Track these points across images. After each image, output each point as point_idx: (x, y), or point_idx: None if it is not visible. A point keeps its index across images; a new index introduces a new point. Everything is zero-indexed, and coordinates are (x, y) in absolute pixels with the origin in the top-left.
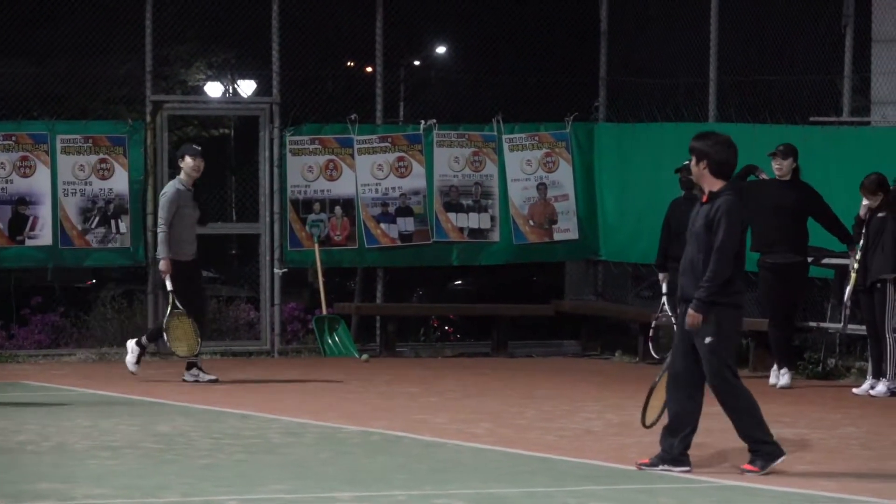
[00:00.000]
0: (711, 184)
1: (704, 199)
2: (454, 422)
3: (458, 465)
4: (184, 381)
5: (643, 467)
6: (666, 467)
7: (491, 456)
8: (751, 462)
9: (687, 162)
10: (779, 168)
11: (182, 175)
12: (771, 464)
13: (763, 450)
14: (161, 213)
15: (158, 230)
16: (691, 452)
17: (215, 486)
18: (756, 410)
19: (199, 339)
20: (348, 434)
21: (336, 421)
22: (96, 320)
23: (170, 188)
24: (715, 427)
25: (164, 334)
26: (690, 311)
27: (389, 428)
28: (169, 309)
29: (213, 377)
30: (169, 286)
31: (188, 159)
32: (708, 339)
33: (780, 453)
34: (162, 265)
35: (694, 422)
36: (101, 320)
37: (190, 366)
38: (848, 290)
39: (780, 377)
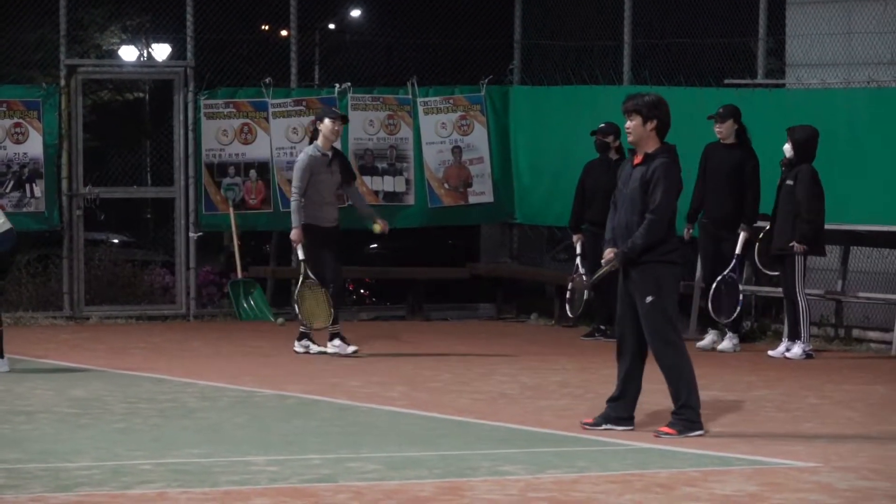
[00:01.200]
0: (650, 145)
1: (638, 160)
2: (369, 385)
3: (373, 428)
4: (325, 352)
5: (587, 427)
6: (609, 426)
7: (405, 419)
8: (670, 424)
9: (603, 124)
10: (719, 131)
11: (319, 140)
12: (688, 432)
13: (686, 415)
14: (294, 182)
15: (291, 198)
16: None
17: (130, 451)
18: (691, 374)
19: (333, 310)
20: (263, 398)
21: (251, 385)
22: (11, 285)
23: (303, 155)
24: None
25: (296, 305)
26: (611, 251)
27: (305, 392)
28: (301, 279)
29: (354, 348)
30: (301, 255)
31: (327, 122)
32: (649, 299)
33: (700, 427)
34: (293, 234)
35: (639, 384)
36: (16, 285)
37: (332, 336)
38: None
39: (719, 340)
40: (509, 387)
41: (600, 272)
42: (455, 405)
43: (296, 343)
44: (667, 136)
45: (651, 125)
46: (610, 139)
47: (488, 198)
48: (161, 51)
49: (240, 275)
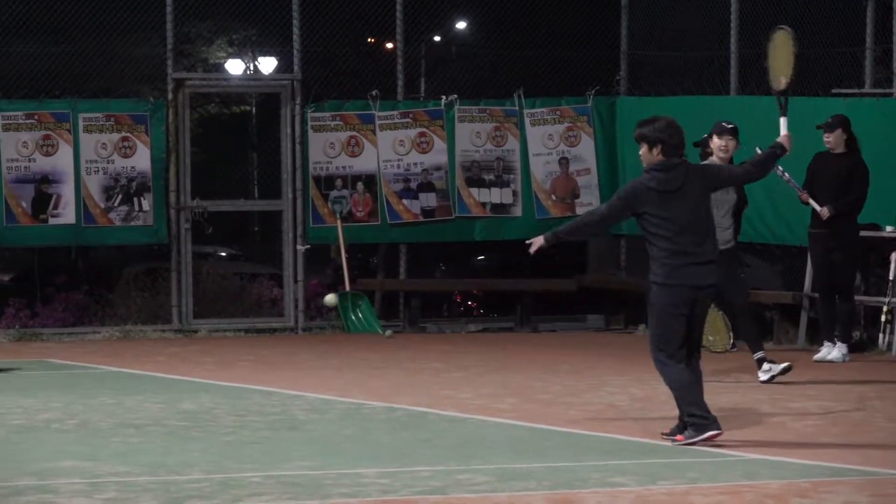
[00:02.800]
0: None
1: None
2: (478, 397)
3: (482, 440)
4: (761, 382)
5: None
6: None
7: (515, 431)
8: (684, 434)
9: (706, 136)
10: (828, 140)
11: (714, 158)
12: (701, 434)
13: (692, 420)
14: None
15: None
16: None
17: (240, 463)
18: (684, 384)
19: (732, 334)
20: (372, 410)
21: (360, 397)
22: (120, 298)
23: None
24: (740, 400)
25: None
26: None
27: (413, 404)
28: None
29: (785, 365)
30: None
31: (715, 138)
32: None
33: (714, 426)
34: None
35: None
36: (125, 298)
37: (760, 362)
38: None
39: (831, 351)
40: (619, 398)
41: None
42: (565, 417)
43: (759, 373)
44: (680, 155)
45: (657, 150)
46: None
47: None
48: (267, 64)
49: (347, 287)
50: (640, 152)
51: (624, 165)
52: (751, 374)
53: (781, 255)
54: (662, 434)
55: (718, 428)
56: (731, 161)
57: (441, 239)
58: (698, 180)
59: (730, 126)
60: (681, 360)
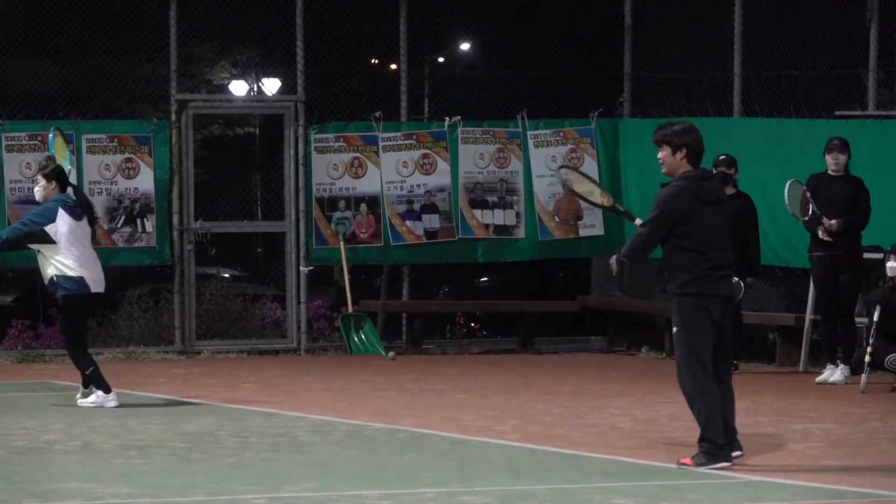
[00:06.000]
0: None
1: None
2: (481, 419)
3: (485, 462)
4: None
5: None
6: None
7: (517, 453)
8: (693, 456)
9: (723, 156)
10: (835, 163)
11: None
12: (710, 464)
13: (705, 447)
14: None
15: None
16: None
17: (242, 485)
18: (711, 407)
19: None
20: (375, 432)
21: (363, 419)
22: (123, 320)
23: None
24: (743, 422)
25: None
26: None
27: (416, 425)
28: None
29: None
30: None
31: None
32: (675, 329)
33: (724, 459)
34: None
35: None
36: (128, 319)
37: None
38: None
39: (833, 373)
40: (621, 420)
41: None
42: (567, 438)
43: None
44: (700, 162)
45: (681, 154)
46: (732, 171)
47: (599, 230)
48: (271, 85)
49: (350, 308)
50: (661, 156)
51: (627, 187)
52: (754, 396)
53: (784, 277)
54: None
55: (729, 460)
56: (845, 172)
57: (444, 260)
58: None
59: (836, 142)
60: (711, 372)
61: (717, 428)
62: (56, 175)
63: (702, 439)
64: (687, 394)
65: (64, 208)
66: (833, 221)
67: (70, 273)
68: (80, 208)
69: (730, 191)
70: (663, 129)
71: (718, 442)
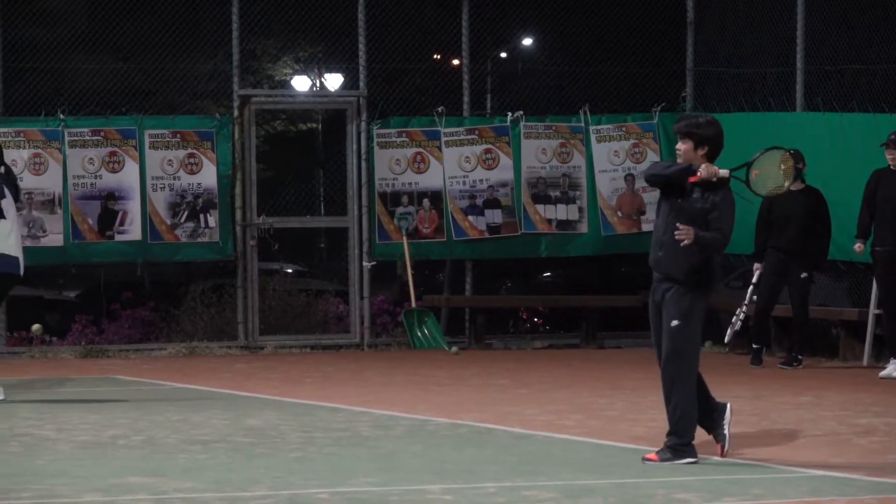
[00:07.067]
0: None
1: (694, 179)
2: (544, 413)
3: (548, 456)
4: None
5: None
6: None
7: (580, 447)
8: (658, 451)
9: (791, 151)
10: (892, 158)
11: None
12: (676, 460)
13: (672, 442)
14: None
15: None
16: (781, 442)
17: (305, 480)
18: (689, 405)
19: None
20: (438, 426)
21: (425, 413)
22: (186, 315)
23: None
24: (806, 417)
25: None
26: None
27: (479, 420)
28: None
29: None
30: None
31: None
32: (675, 323)
33: (690, 455)
34: None
35: (704, 402)
36: (192, 315)
37: None
38: None
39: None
40: None
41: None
42: (630, 433)
43: None
44: (717, 158)
45: (702, 150)
46: (801, 165)
47: None
48: (333, 80)
49: (413, 303)
50: (683, 148)
51: None
52: (817, 391)
53: (847, 271)
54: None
55: (696, 456)
56: None
57: (507, 255)
58: None
59: (893, 136)
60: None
61: (692, 426)
62: None
63: (672, 433)
64: (668, 382)
65: None
66: (859, 246)
67: None
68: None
69: (798, 186)
70: (687, 120)
71: (687, 439)
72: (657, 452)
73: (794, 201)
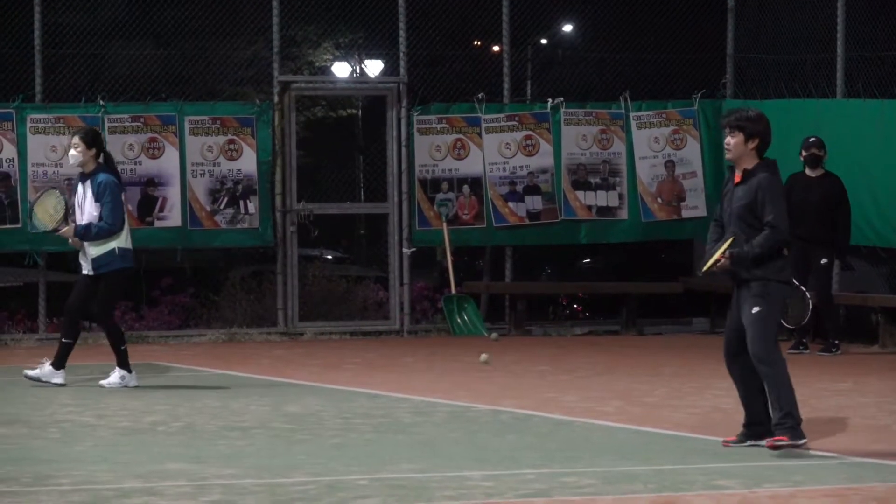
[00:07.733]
0: (749, 162)
1: (738, 178)
2: (584, 400)
3: (588, 443)
4: None
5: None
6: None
7: (620, 434)
8: (777, 435)
9: (813, 139)
10: None
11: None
12: (796, 440)
13: (789, 423)
14: None
15: None
16: (821, 429)
17: (345, 466)
18: (789, 385)
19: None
20: (478, 413)
21: (465, 400)
22: (226, 301)
23: None
24: (846, 404)
25: None
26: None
27: (519, 407)
28: None
29: None
30: None
31: None
32: (756, 309)
33: (802, 436)
34: None
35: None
36: (231, 301)
37: None
38: None
39: None
40: (724, 401)
41: (709, 264)
42: (670, 419)
43: None
44: (766, 152)
45: (752, 143)
46: (822, 153)
47: (701, 212)
48: (374, 67)
49: (453, 290)
50: (733, 142)
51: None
52: (857, 377)
53: (887, 257)
54: (727, 442)
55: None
56: None
57: (547, 242)
58: None
59: None
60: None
61: (794, 399)
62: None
63: (786, 415)
64: (765, 372)
65: None
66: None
67: None
68: None
69: (818, 172)
70: (736, 113)
71: (798, 418)
72: (774, 440)
73: (813, 188)
